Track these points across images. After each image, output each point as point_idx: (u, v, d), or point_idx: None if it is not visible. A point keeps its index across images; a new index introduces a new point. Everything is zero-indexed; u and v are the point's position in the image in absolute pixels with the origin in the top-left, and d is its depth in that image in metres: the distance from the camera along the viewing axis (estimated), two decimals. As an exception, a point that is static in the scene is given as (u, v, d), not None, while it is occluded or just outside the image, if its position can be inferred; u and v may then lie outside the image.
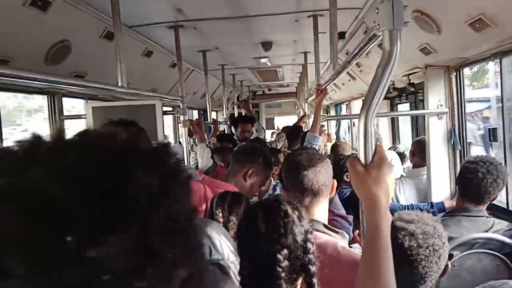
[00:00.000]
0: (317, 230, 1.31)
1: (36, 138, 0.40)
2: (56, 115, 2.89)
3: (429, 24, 2.18)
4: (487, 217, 2.00)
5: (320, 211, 1.43)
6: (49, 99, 2.90)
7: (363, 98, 0.95)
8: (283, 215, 1.01)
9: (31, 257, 0.34)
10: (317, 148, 2.73)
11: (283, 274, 0.96)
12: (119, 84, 2.07)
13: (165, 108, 3.73)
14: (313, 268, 1.00)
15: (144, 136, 1.49)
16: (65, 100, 3.03)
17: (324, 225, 1.39)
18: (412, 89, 3.32)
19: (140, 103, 2.78)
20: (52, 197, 0.35)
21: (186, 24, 2.99)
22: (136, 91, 2.31)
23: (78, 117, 3.08)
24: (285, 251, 0.97)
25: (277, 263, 0.96)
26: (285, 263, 0.97)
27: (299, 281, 1.02)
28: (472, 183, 1.99)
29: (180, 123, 3.52)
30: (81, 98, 3.26)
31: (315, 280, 1.00)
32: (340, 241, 1.36)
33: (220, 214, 1.55)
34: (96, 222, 0.35)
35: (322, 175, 1.42)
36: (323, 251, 1.14)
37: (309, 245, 1.01)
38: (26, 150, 0.39)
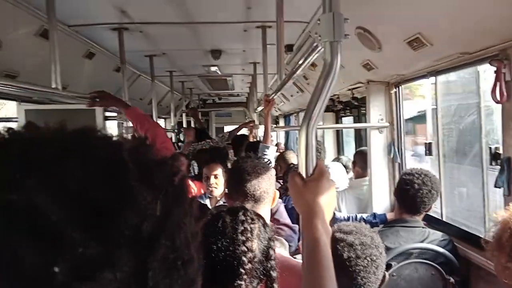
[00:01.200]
0: None
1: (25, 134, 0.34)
2: (-18, 117, 2.64)
3: (371, 41, 2.27)
4: (423, 227, 2.09)
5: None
6: (-26, 100, 2.65)
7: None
8: (250, 221, 1.05)
9: (15, 282, 0.30)
10: (269, 159, 2.75)
11: (245, 277, 0.98)
12: (53, 86, 1.93)
13: (108, 114, 3.56)
14: (274, 274, 1.04)
15: None
16: None
17: None
18: (356, 103, 3.44)
19: (79, 107, 2.62)
20: (45, 219, 0.30)
21: (131, 27, 2.87)
22: (72, 94, 2.17)
23: (8, 120, 2.84)
24: (250, 254, 1.00)
25: (241, 265, 0.98)
26: (249, 266, 0.99)
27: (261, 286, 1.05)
28: (409, 194, 2.08)
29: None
30: (13, 100, 3.01)
31: (276, 286, 1.04)
32: (278, 248, 1.37)
33: None
34: (91, 254, 0.30)
35: (264, 182, 1.46)
36: None
37: (271, 251, 1.06)
38: (20, 152, 0.33)
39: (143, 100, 5.57)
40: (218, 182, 2.64)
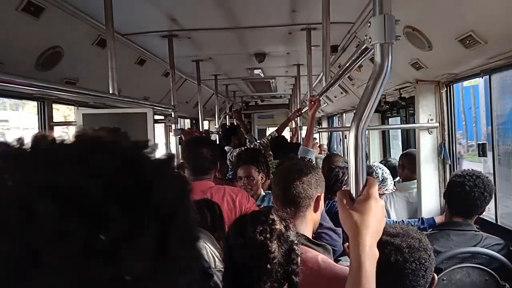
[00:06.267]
0: None
1: (50, 141, 0.41)
2: (46, 121, 2.86)
3: (420, 40, 2.22)
4: (475, 231, 2.01)
5: (301, 224, 1.40)
6: (39, 105, 2.87)
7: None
8: (271, 223, 1.04)
9: (65, 251, 0.35)
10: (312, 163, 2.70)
11: (264, 277, 0.98)
12: (110, 92, 2.06)
13: (156, 117, 3.72)
14: (296, 279, 1.02)
15: None
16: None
17: (306, 238, 1.37)
18: (403, 103, 3.36)
19: (132, 111, 2.76)
20: (90, 197, 0.36)
21: (180, 34, 3.00)
22: (127, 99, 2.30)
23: (68, 124, 3.05)
24: (270, 255, 0.99)
25: (261, 267, 0.98)
26: (269, 267, 0.99)
27: None
28: (460, 197, 2.00)
29: (171, 132, 3.50)
30: (72, 104, 3.23)
31: None
32: (321, 254, 1.34)
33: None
34: (126, 225, 0.37)
35: (299, 187, 1.39)
36: (304, 264, 1.14)
37: (293, 255, 1.03)
38: (50, 150, 0.40)
39: (189, 103, 5.75)
40: (251, 184, 2.61)
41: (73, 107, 3.30)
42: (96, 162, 0.39)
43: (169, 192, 0.42)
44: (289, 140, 5.61)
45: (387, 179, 3.04)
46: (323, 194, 1.47)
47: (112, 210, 0.37)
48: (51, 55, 2.33)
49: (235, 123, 5.81)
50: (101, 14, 2.15)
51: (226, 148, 4.66)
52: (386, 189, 2.99)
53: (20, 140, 0.41)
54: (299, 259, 1.05)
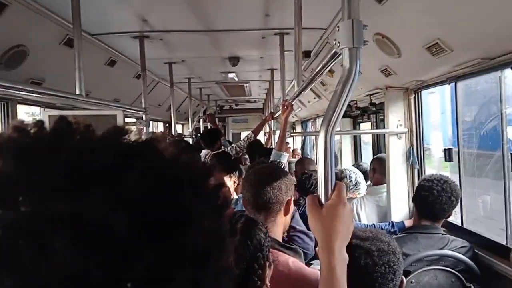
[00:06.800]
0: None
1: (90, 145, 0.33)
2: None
3: (390, 47, 2.26)
4: (442, 234, 2.06)
5: (273, 228, 1.39)
6: (2, 106, 2.75)
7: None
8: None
9: None
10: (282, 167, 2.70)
11: None
12: (77, 93, 1.99)
13: (127, 120, 3.64)
14: None
15: None
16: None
17: (277, 242, 1.36)
18: (374, 108, 3.42)
19: (101, 113, 2.69)
20: (116, 235, 0.30)
21: (152, 35, 2.95)
22: (95, 100, 2.23)
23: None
24: None
25: None
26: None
27: None
28: (428, 201, 2.05)
29: (142, 135, 3.42)
30: (38, 106, 3.11)
31: None
32: (292, 257, 1.34)
33: None
34: (155, 270, 0.31)
35: (269, 193, 1.38)
36: (274, 267, 1.12)
37: (255, 266, 0.98)
38: (78, 161, 0.32)
39: (162, 106, 5.67)
40: None
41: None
42: (129, 184, 0.32)
43: (207, 224, 0.34)
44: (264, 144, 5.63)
45: (360, 183, 3.08)
46: (293, 198, 1.46)
47: (141, 251, 0.31)
48: (15, 54, 2.23)
49: (209, 127, 5.78)
50: (69, 13, 2.08)
51: (203, 151, 4.61)
52: (359, 193, 3.03)
53: (39, 126, 0.33)
54: (266, 269, 1.00)
